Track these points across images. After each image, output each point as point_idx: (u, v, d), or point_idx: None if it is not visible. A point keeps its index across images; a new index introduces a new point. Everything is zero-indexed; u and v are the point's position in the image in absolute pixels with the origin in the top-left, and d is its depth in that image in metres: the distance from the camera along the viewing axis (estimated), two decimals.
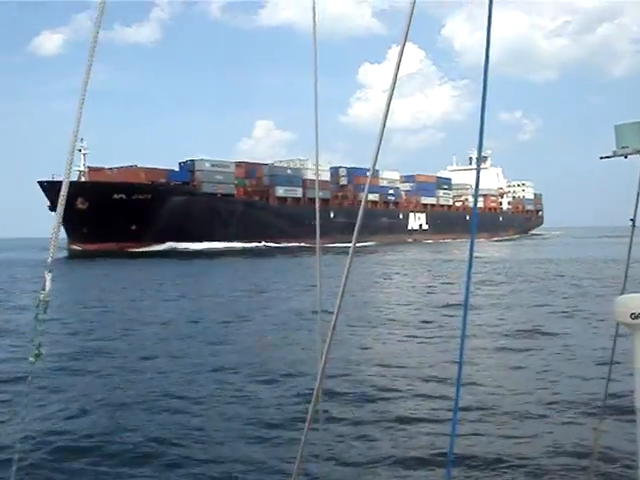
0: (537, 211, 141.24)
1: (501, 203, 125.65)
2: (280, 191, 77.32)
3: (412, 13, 1.86)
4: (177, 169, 71.55)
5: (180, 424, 8.56)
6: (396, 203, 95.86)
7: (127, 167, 68.11)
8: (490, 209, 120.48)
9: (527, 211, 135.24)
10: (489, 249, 72.67)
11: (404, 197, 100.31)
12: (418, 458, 7.19)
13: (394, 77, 1.96)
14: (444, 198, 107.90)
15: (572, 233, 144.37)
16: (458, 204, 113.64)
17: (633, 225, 3.39)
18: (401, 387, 10.47)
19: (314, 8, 2.45)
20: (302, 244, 74.74)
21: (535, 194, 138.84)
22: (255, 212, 73.30)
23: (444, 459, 6.64)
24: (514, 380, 11.06)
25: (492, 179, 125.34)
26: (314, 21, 2.50)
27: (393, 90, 1.99)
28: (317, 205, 3.51)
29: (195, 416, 8.96)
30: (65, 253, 63.29)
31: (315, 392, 2.17)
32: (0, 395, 9.71)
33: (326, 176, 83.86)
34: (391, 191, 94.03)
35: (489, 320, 17.69)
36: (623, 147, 3.18)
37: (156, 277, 35.89)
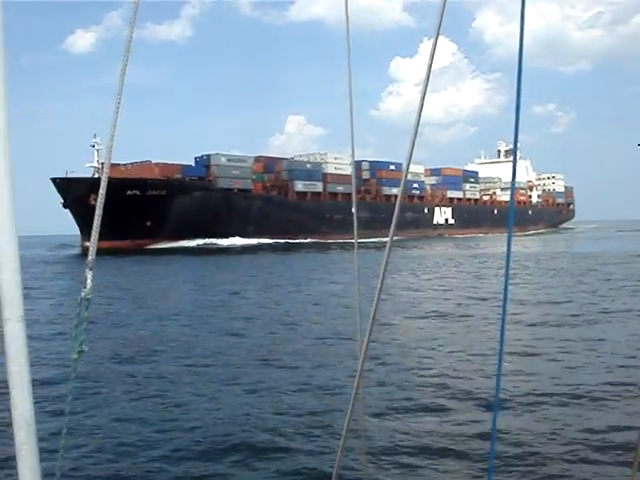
0: (568, 204, 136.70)
1: (530, 196, 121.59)
2: (299, 186, 75.00)
3: (444, 6, 1.87)
4: (193, 164, 69.70)
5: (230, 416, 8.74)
6: (421, 197, 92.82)
7: (141, 163, 66.40)
8: (519, 203, 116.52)
9: (558, 204, 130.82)
10: (518, 244, 69.84)
11: (429, 191, 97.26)
12: (460, 452, 7.13)
13: (427, 71, 1.93)
14: (471, 192, 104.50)
15: (607, 226, 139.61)
16: (486, 198, 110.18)
17: None
18: (440, 380, 10.50)
19: (346, 2, 2.51)
20: (323, 240, 72.67)
21: (566, 187, 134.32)
22: (273, 208, 71.14)
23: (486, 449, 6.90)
24: (559, 368, 11.17)
25: (521, 172, 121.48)
26: (347, 15, 2.56)
27: (427, 84, 1.97)
28: (354, 199, 3.41)
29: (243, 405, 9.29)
30: (78, 250, 62.14)
31: (355, 386, 2.23)
32: (45, 393, 9.36)
33: (347, 170, 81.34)
34: (416, 185, 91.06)
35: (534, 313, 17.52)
36: None
37: (172, 274, 34.84)
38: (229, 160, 68.52)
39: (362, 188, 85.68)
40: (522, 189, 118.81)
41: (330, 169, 79.09)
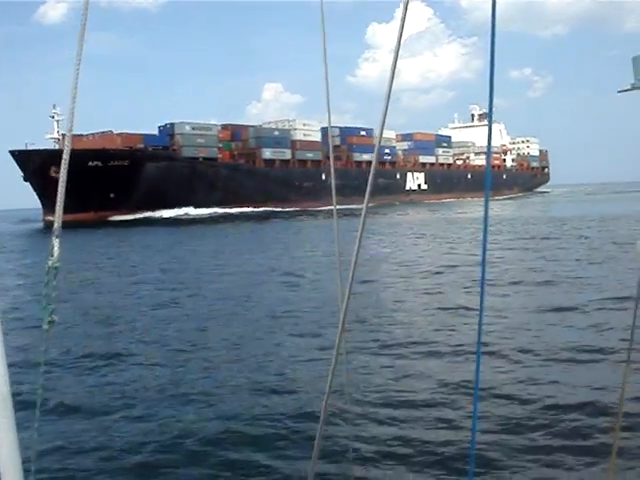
0: (543, 168, 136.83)
1: (505, 160, 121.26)
2: (267, 153, 73.92)
3: None
4: (157, 134, 68.36)
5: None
6: (393, 163, 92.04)
7: (102, 133, 64.97)
8: (493, 167, 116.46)
9: (532, 168, 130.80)
10: (493, 208, 69.65)
11: (402, 156, 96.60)
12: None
13: (399, 34, 1.93)
14: (444, 157, 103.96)
15: (582, 190, 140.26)
16: (459, 162, 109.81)
17: None
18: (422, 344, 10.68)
19: None
20: (292, 208, 72.03)
21: (540, 150, 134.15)
22: (240, 176, 70.16)
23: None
24: (538, 327, 11.46)
25: (495, 136, 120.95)
26: None
27: (399, 48, 1.95)
28: (332, 165, 3.20)
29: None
30: (41, 225, 61.03)
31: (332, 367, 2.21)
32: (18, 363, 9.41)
33: (317, 136, 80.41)
34: (387, 150, 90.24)
35: (513, 274, 18.07)
36: None
37: (139, 247, 33.58)
38: (194, 128, 67.21)
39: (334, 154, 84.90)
40: (496, 153, 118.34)
41: (299, 136, 78.05)
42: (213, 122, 70.48)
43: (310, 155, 78.57)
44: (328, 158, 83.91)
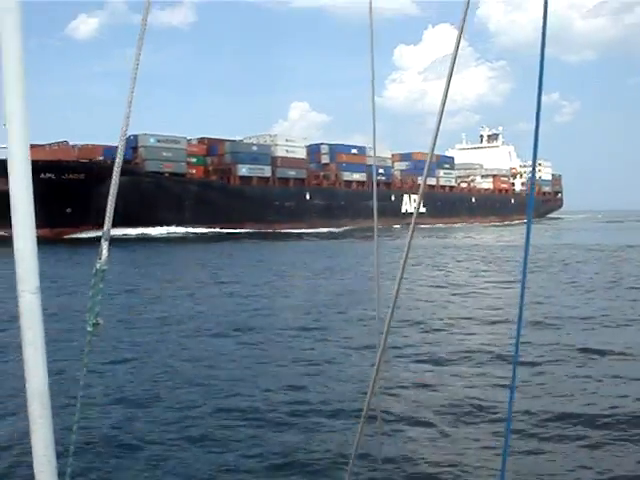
0: (556, 193, 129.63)
1: (514, 184, 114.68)
2: (243, 170, 68.33)
3: (468, 4, 1.91)
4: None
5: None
6: (388, 184, 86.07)
7: (58, 144, 60.15)
8: (501, 191, 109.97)
9: (544, 193, 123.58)
10: (493, 235, 64.31)
11: (399, 177, 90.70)
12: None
13: (452, 64, 1.97)
14: (445, 178, 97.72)
15: (598, 217, 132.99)
16: (463, 185, 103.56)
17: None
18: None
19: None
20: (270, 229, 66.55)
21: (553, 175, 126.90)
22: (212, 194, 64.74)
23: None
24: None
25: (503, 158, 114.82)
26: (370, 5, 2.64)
27: (451, 77, 1.99)
28: (375, 187, 3.20)
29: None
30: None
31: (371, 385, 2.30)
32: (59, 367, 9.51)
33: (301, 153, 74.93)
34: (381, 170, 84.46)
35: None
36: None
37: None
38: (159, 141, 61.99)
39: (321, 173, 79.42)
40: (504, 176, 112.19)
41: (281, 152, 72.52)
42: (182, 135, 65.11)
43: (293, 173, 73.04)
44: (316, 177, 78.68)
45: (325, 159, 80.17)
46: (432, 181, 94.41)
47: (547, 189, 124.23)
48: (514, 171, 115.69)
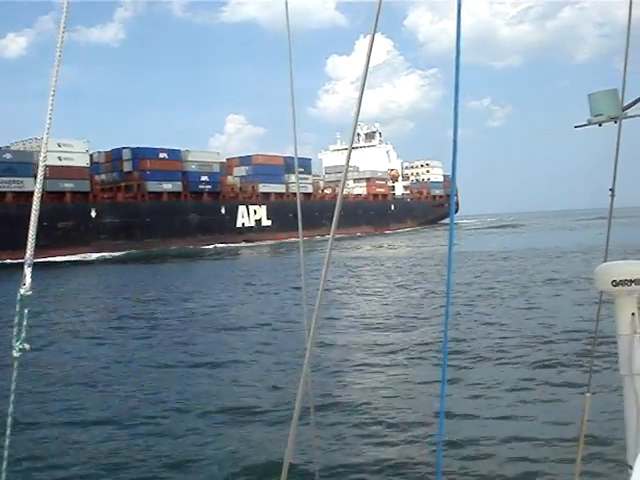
0: (448, 196, 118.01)
1: (394, 188, 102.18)
2: None
3: (380, 6, 1.91)
4: None
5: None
6: (214, 193, 72.14)
7: None
8: (377, 196, 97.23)
9: (434, 197, 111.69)
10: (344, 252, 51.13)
11: (239, 185, 76.85)
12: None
13: (365, 70, 2.01)
14: (301, 184, 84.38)
15: (489, 221, 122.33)
16: (328, 191, 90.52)
17: (612, 195, 3.40)
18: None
19: (286, 3, 2.64)
20: (37, 259, 51.82)
21: (445, 176, 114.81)
22: None
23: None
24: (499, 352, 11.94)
25: (380, 159, 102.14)
26: (287, 16, 2.64)
27: (364, 83, 2.04)
28: (298, 199, 3.40)
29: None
30: None
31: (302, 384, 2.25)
32: None
33: (82, 161, 60.26)
34: (204, 178, 70.44)
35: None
36: (597, 115, 3.17)
37: None
38: None
39: (122, 184, 64.95)
40: (380, 180, 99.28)
41: (52, 160, 57.61)
42: None
43: (70, 185, 58.21)
44: (110, 189, 64.34)
45: (127, 167, 65.65)
46: (280, 188, 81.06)
47: (438, 192, 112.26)
48: (394, 173, 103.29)
